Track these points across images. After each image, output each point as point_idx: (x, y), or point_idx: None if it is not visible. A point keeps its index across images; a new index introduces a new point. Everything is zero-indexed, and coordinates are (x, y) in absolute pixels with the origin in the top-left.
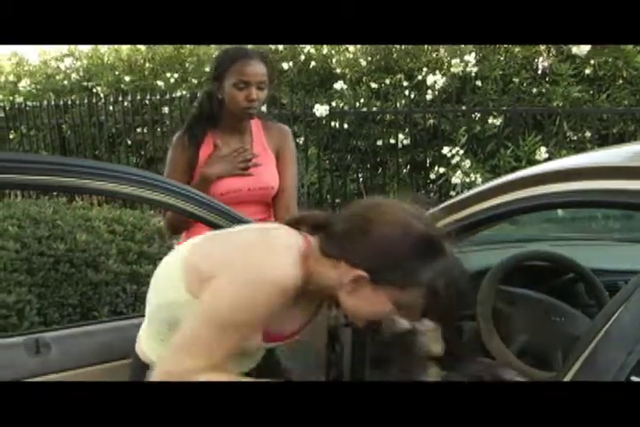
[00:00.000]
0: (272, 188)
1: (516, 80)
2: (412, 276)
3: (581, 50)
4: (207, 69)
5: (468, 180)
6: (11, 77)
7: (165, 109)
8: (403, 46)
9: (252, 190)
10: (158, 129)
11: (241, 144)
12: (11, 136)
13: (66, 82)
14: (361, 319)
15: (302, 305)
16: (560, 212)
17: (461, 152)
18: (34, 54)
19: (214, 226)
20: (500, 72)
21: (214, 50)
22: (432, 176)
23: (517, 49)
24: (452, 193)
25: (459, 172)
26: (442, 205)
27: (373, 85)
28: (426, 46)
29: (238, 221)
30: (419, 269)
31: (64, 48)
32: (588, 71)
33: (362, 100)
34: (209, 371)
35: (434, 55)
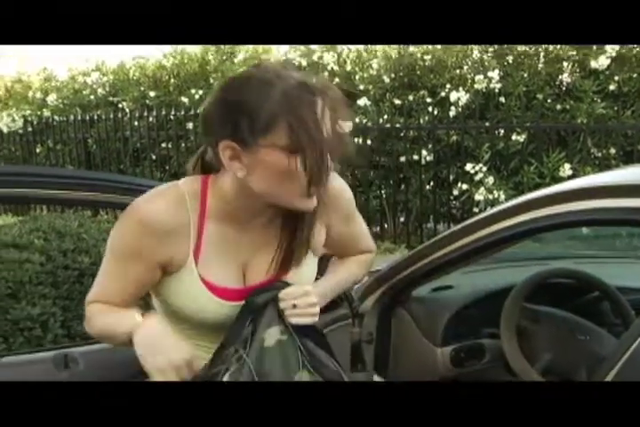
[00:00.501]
0: None
1: (539, 96)
2: (265, 116)
3: (600, 64)
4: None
5: (491, 196)
6: (39, 93)
7: (190, 125)
8: (426, 63)
9: None
10: (183, 144)
11: None
12: (37, 150)
13: (92, 97)
14: (280, 201)
15: (237, 250)
16: (584, 229)
17: (485, 169)
18: (62, 69)
19: None
20: (524, 88)
21: (238, 66)
22: (455, 193)
23: (541, 65)
24: (475, 209)
25: (482, 188)
26: (466, 222)
27: (397, 102)
28: (449, 63)
29: None
30: (264, 107)
31: (92, 63)
32: (612, 87)
33: (385, 117)
34: (102, 303)
35: (457, 72)
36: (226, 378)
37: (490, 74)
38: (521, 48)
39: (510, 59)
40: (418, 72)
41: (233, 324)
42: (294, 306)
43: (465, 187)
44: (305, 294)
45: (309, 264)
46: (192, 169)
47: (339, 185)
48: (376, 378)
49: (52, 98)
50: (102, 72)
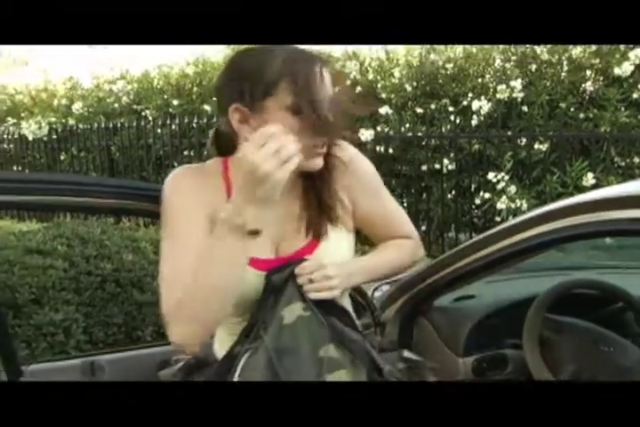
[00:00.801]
0: None
1: (562, 105)
2: (268, 78)
3: (624, 71)
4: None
5: (513, 205)
6: (64, 101)
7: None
8: (448, 71)
9: None
10: (205, 152)
11: None
12: (61, 157)
13: (116, 105)
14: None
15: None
16: (608, 239)
17: (507, 178)
18: (87, 78)
19: None
20: (547, 97)
21: None
22: (477, 201)
23: (564, 74)
24: (497, 219)
25: (504, 197)
26: (489, 232)
27: (419, 110)
28: (471, 71)
29: None
30: (267, 70)
31: (116, 71)
32: (635, 95)
33: (407, 125)
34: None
35: (479, 80)
36: (244, 358)
37: (512, 83)
38: (544, 56)
39: (533, 67)
40: (440, 81)
41: (256, 304)
42: (311, 280)
43: (487, 196)
44: (320, 267)
45: (341, 238)
46: (211, 144)
47: (356, 156)
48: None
49: (77, 106)
50: (127, 80)
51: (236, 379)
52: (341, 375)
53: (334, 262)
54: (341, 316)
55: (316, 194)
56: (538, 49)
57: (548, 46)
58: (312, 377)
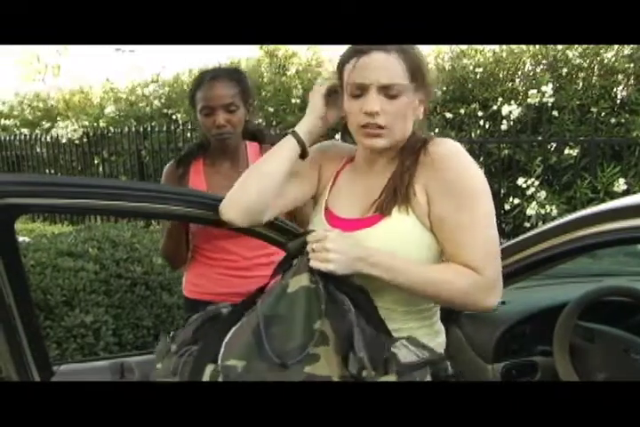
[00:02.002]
0: None
1: (594, 110)
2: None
3: None
4: (282, 98)
5: (543, 211)
6: (98, 104)
7: None
8: (478, 76)
9: None
10: None
11: (232, 170)
12: (95, 161)
13: (148, 109)
14: (357, 140)
15: (358, 189)
16: (639, 246)
17: (537, 183)
18: (119, 81)
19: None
20: (578, 102)
21: (290, 79)
22: (507, 207)
23: (595, 78)
24: (526, 224)
25: (534, 203)
26: (520, 238)
27: (448, 115)
28: (501, 76)
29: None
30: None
31: (148, 75)
32: None
33: (436, 130)
34: None
35: (509, 85)
36: (243, 320)
37: (543, 88)
38: (575, 61)
39: (564, 71)
40: (469, 85)
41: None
42: (313, 250)
43: (517, 201)
44: (322, 238)
45: (404, 224)
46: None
47: (450, 156)
48: None
49: (109, 109)
50: (159, 84)
51: (226, 339)
52: (321, 352)
53: (347, 241)
54: (354, 295)
55: (393, 176)
56: (569, 53)
57: (580, 50)
58: (296, 347)
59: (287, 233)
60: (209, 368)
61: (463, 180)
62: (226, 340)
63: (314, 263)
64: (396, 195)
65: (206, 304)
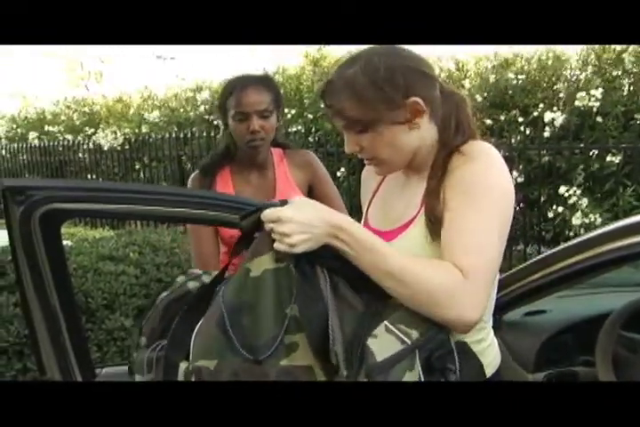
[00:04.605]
0: None
1: (638, 116)
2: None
3: None
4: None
5: (587, 220)
6: (139, 111)
7: None
8: (518, 82)
9: None
10: None
11: (260, 179)
12: (136, 167)
13: (192, 114)
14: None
15: (396, 200)
16: None
17: (578, 192)
18: (161, 88)
19: None
20: (622, 108)
21: None
22: (550, 215)
23: None
24: (567, 232)
25: (579, 212)
26: (562, 246)
27: (488, 121)
28: (542, 82)
29: None
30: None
31: (191, 82)
32: None
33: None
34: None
35: (551, 92)
36: (202, 320)
37: (592, 91)
38: (627, 66)
39: (615, 74)
40: (509, 92)
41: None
42: (272, 230)
43: (560, 209)
44: (277, 219)
45: (427, 233)
46: None
47: (472, 151)
48: None
49: (153, 115)
50: (209, 90)
51: (193, 337)
52: (299, 339)
53: (307, 211)
54: (332, 264)
55: (427, 186)
56: (625, 57)
57: (630, 57)
58: (268, 338)
59: None
60: (182, 366)
61: (477, 176)
62: (193, 337)
63: (278, 246)
64: (427, 210)
65: None
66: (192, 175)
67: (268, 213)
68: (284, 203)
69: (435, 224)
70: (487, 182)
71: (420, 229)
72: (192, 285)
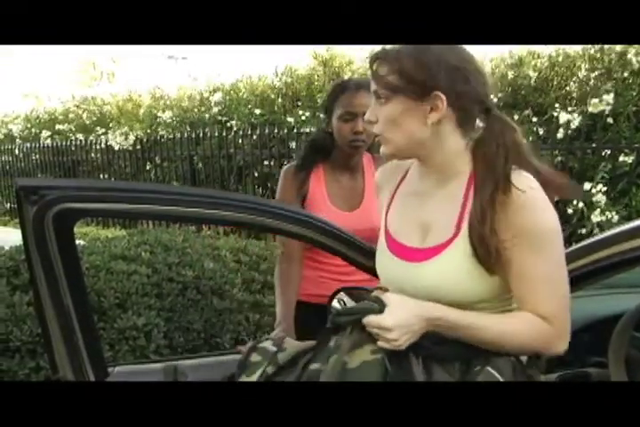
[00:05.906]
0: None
1: None
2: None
3: None
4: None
5: (604, 218)
6: (151, 111)
7: (293, 144)
8: (532, 82)
9: (360, 231)
10: (285, 162)
11: (351, 181)
12: (147, 167)
13: (207, 115)
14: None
15: (419, 212)
16: None
17: (595, 190)
18: (172, 88)
19: (347, 258)
20: (634, 108)
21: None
22: (569, 211)
23: None
24: (580, 230)
25: (597, 210)
26: (575, 246)
27: None
28: (555, 82)
29: (368, 252)
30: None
31: (202, 82)
32: None
33: None
34: None
35: (563, 91)
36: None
37: (605, 97)
38: (635, 66)
39: (624, 76)
40: (522, 91)
41: (317, 342)
42: (377, 335)
43: (580, 205)
44: (382, 328)
45: (467, 256)
46: None
47: (533, 201)
48: None
49: (166, 115)
50: (221, 91)
51: None
52: None
53: (406, 309)
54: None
55: (474, 214)
56: (632, 58)
57: (638, 58)
58: None
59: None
60: None
61: (540, 223)
62: None
63: (383, 344)
64: (477, 243)
65: (300, 304)
66: (286, 167)
67: (371, 322)
68: (379, 303)
69: (481, 253)
70: (550, 226)
71: (458, 252)
72: (270, 370)
